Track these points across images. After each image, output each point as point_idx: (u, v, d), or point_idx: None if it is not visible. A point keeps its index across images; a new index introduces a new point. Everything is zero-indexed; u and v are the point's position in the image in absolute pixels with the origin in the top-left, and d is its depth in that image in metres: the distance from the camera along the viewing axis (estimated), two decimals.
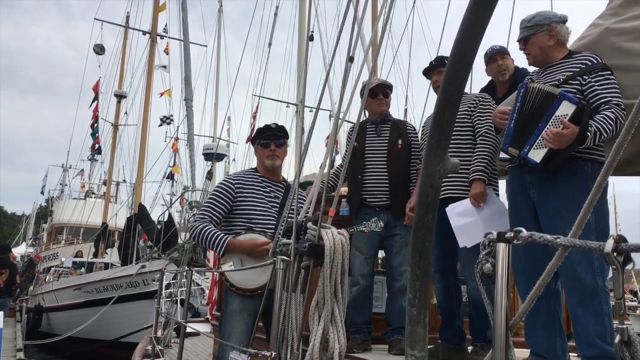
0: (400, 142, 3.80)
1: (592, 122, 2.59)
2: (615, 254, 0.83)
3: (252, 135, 3.67)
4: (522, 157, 2.72)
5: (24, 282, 19.35)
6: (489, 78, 4.04)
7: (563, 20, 2.90)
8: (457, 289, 3.60)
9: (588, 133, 2.55)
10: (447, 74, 1.07)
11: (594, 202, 0.88)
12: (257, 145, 3.43)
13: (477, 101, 3.50)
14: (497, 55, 3.82)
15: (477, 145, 3.39)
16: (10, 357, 9.93)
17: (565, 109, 2.61)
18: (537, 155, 2.65)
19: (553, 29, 2.86)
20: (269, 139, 3.37)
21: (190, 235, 3.37)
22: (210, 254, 8.32)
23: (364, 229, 3.28)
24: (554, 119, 2.62)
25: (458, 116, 3.43)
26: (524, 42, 2.94)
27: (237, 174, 3.52)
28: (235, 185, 3.29)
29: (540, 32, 2.86)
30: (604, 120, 2.58)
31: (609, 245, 0.82)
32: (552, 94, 2.68)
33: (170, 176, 18.36)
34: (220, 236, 3.14)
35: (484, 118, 3.41)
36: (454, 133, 3.39)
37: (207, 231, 3.16)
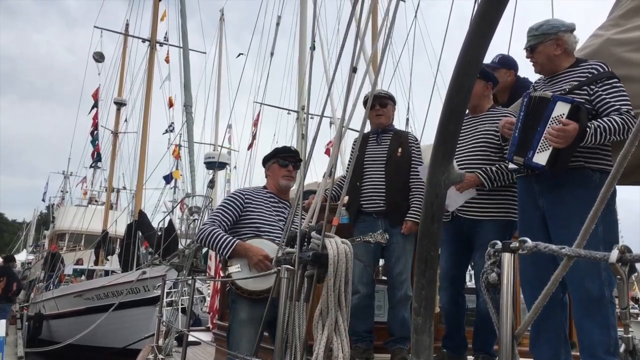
0: (400, 150, 3.81)
1: (593, 121, 2.59)
2: (620, 264, 0.83)
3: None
4: (528, 164, 2.70)
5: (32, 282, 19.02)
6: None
7: (571, 29, 2.89)
8: (463, 299, 3.60)
9: (587, 128, 2.55)
10: (452, 84, 1.09)
11: (599, 212, 0.89)
12: (274, 164, 3.48)
13: None
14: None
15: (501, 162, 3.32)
16: None
17: (561, 109, 2.62)
18: (541, 158, 2.64)
19: (560, 38, 2.85)
20: (288, 160, 3.45)
21: (197, 237, 3.38)
22: (212, 263, 8.30)
23: (370, 239, 3.29)
24: (551, 120, 2.63)
25: (488, 134, 3.37)
26: (530, 50, 2.92)
27: (247, 188, 3.59)
28: (245, 197, 3.36)
29: (547, 41, 2.85)
30: (609, 121, 2.57)
31: (614, 255, 0.83)
32: (545, 98, 2.70)
33: (170, 178, 18.35)
34: (229, 238, 3.17)
35: None
36: (481, 151, 3.40)
37: (216, 233, 3.19)
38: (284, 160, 3.44)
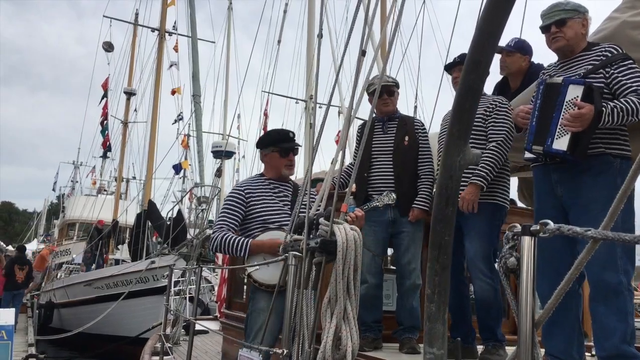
0: (407, 138, 3.76)
1: (608, 103, 2.56)
2: None
3: (263, 136, 3.60)
4: (548, 151, 2.66)
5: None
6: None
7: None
8: (466, 287, 3.55)
9: (603, 108, 2.52)
10: (469, 59, 1.03)
11: (628, 192, 0.83)
12: (273, 152, 3.37)
13: (494, 106, 3.43)
14: (503, 52, 3.75)
15: (488, 151, 3.31)
16: (21, 352, 9.99)
17: (574, 92, 2.59)
18: (561, 144, 2.60)
19: (586, 19, 2.85)
20: (289, 148, 3.36)
21: (211, 246, 3.33)
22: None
23: (377, 203, 3.25)
24: (566, 104, 2.60)
25: (475, 119, 3.40)
26: (559, 24, 2.84)
27: (244, 181, 3.55)
28: (245, 192, 3.31)
29: (577, 17, 2.83)
30: (625, 102, 2.55)
31: None
32: (556, 83, 2.68)
33: (179, 168, 18.32)
34: (241, 240, 3.15)
35: (501, 125, 3.34)
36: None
37: (228, 238, 3.17)
38: (285, 151, 3.35)
